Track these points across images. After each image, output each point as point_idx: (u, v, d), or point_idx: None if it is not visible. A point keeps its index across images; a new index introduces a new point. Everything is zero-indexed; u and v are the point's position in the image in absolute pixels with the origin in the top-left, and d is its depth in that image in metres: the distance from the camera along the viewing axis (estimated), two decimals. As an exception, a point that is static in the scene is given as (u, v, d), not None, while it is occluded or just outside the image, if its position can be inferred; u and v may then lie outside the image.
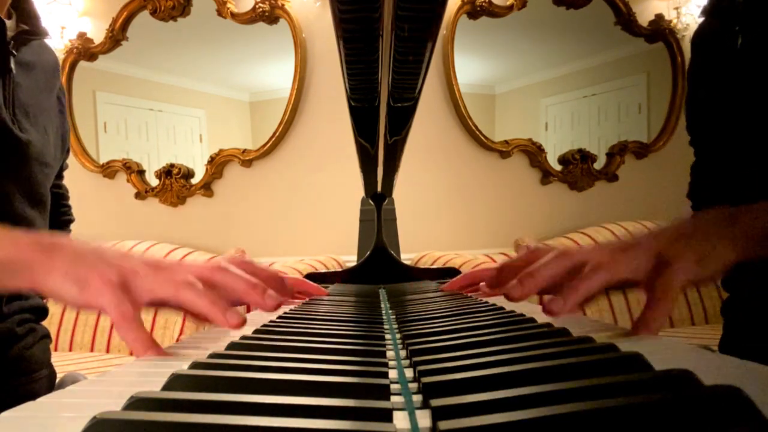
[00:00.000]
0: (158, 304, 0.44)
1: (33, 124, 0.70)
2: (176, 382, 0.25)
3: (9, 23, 0.67)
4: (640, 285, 0.44)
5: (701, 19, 0.74)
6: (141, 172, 2.45)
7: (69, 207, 0.86)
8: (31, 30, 0.71)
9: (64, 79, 2.41)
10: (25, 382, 0.70)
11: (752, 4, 0.62)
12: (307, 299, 0.77)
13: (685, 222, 0.47)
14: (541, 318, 0.43)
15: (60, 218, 0.83)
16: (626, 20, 2.39)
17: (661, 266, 0.42)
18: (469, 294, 0.72)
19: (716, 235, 0.44)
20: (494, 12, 2.33)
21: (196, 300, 0.42)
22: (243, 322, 0.43)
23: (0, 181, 0.66)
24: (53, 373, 0.78)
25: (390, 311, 0.58)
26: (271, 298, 0.46)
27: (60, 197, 0.83)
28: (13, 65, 0.67)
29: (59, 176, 0.82)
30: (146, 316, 2.00)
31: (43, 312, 0.77)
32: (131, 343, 0.40)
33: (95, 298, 0.41)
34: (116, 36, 2.38)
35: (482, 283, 0.71)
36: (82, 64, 2.43)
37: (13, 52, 0.67)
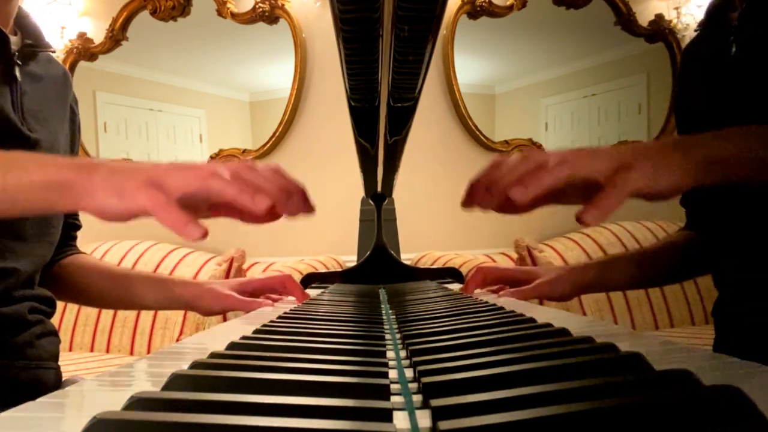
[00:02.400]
0: (189, 203, 0.46)
1: (42, 126, 0.73)
2: (176, 382, 0.25)
3: (15, 39, 0.72)
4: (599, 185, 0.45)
5: (696, 31, 0.76)
6: (141, 172, 2.45)
7: (77, 213, 0.87)
8: (34, 43, 0.75)
9: (64, 79, 2.41)
10: (32, 367, 0.71)
11: (748, 16, 0.64)
12: (308, 299, 0.77)
13: (648, 141, 0.49)
14: (541, 318, 0.43)
15: (67, 221, 0.85)
16: (626, 20, 2.39)
17: (620, 168, 0.44)
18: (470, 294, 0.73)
19: (673, 154, 0.47)
20: (494, 12, 2.33)
21: (225, 187, 0.45)
22: (271, 210, 0.45)
23: None
24: (60, 373, 0.79)
25: (390, 311, 0.58)
26: (293, 205, 0.48)
27: None
28: (18, 74, 0.71)
29: None
30: (146, 317, 2.01)
31: (50, 302, 0.78)
32: (172, 225, 0.43)
33: (132, 201, 0.44)
34: (116, 36, 2.38)
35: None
36: (82, 64, 2.43)
37: (18, 62, 0.71)
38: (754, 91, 0.62)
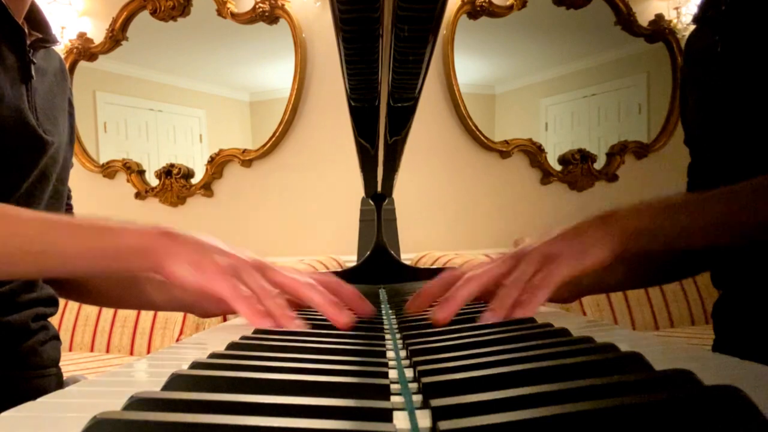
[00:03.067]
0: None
1: (53, 126, 0.73)
2: (176, 382, 0.25)
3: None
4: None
5: (694, 26, 0.76)
6: (141, 172, 2.45)
7: (71, 207, 0.87)
8: (43, 38, 0.73)
9: (64, 79, 2.41)
10: (35, 376, 0.71)
11: (733, 14, 0.64)
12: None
13: (572, 224, 0.52)
14: (541, 318, 0.43)
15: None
16: (626, 20, 2.39)
17: (546, 263, 0.48)
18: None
19: (596, 231, 0.50)
20: (494, 12, 2.33)
21: (316, 298, 0.48)
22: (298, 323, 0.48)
23: (31, 182, 0.68)
24: (61, 375, 0.79)
25: (390, 311, 0.58)
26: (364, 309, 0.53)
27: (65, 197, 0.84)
28: (33, 72, 0.70)
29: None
30: (146, 317, 2.00)
31: (54, 302, 0.78)
32: (248, 317, 0.46)
33: (210, 282, 0.47)
34: (116, 36, 2.38)
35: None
36: (82, 64, 2.43)
37: (33, 60, 0.70)
38: (741, 90, 0.62)
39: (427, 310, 0.53)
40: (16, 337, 0.69)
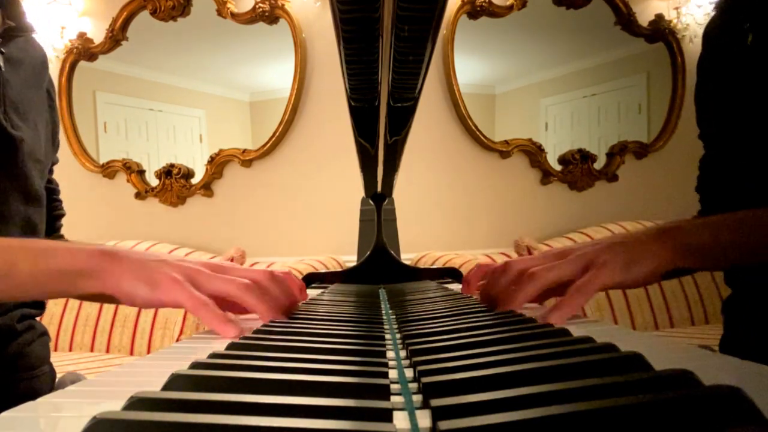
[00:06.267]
0: (219, 300, 0.49)
1: (24, 121, 0.70)
2: (176, 382, 0.25)
3: None
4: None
5: (713, 12, 0.75)
6: (141, 172, 2.45)
7: (60, 201, 0.85)
8: (16, 26, 0.70)
9: (64, 79, 2.41)
10: (25, 378, 0.70)
11: (762, 2, 0.62)
12: (308, 299, 0.77)
13: (624, 234, 0.53)
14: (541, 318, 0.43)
15: (51, 213, 0.82)
16: (626, 20, 2.39)
17: (590, 267, 0.48)
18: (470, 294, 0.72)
19: (647, 246, 0.50)
20: (494, 12, 2.33)
21: (257, 304, 0.49)
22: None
23: None
24: (53, 371, 0.78)
25: (390, 311, 0.58)
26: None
27: (51, 192, 0.82)
28: (1, 63, 0.67)
29: (50, 171, 0.82)
30: (146, 317, 2.01)
31: (41, 305, 0.77)
32: (210, 323, 0.46)
33: (167, 294, 0.46)
34: (116, 36, 2.38)
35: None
36: (82, 64, 2.43)
37: (2, 50, 0.67)
38: None
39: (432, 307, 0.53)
40: (1, 340, 0.67)
